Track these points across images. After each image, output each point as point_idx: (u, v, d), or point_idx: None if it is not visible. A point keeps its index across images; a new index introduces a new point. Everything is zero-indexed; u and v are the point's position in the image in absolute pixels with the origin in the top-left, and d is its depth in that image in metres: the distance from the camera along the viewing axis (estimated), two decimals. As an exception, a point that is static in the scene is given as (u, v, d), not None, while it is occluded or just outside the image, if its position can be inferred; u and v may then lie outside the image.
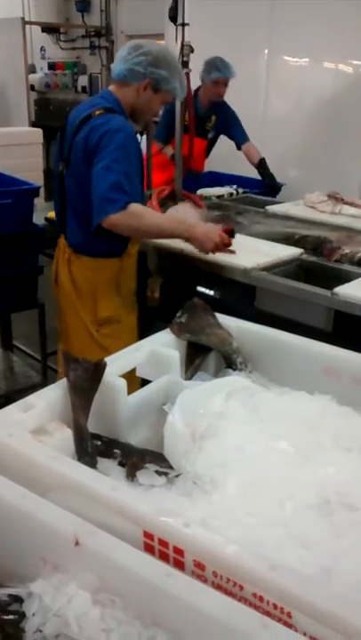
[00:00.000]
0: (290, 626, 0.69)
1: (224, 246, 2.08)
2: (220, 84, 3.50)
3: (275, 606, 0.71)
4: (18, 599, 0.77)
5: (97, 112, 2.03)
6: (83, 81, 6.76)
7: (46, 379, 2.86)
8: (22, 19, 5.70)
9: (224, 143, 3.59)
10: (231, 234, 2.14)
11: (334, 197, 2.86)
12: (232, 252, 2.14)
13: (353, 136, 3.51)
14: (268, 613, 0.70)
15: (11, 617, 0.74)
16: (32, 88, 6.30)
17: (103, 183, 1.91)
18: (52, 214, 2.73)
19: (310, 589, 0.69)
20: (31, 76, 6.17)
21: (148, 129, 3.20)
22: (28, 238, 2.59)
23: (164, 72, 2.02)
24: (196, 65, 2.91)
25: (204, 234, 2.05)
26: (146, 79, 2.02)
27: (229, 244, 2.10)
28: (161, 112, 3.16)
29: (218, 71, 3.44)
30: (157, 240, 2.36)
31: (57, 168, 2.22)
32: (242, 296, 2.23)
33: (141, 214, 1.96)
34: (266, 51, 3.93)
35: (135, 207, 1.93)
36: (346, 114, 3.56)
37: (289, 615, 0.70)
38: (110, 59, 6.15)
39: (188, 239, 2.06)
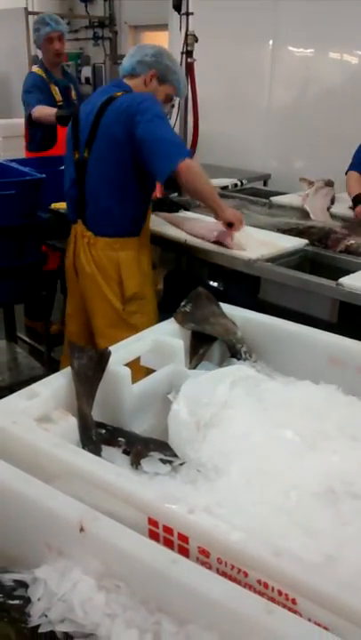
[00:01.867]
0: (294, 612, 0.69)
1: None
2: (55, 40, 3.42)
3: (279, 593, 0.71)
4: (23, 584, 0.77)
5: (118, 94, 2.14)
6: (86, 72, 6.72)
7: (50, 370, 2.87)
8: (25, 9, 5.67)
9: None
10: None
11: (308, 181, 2.84)
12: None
13: (358, 127, 3.48)
14: (272, 600, 0.70)
15: (16, 602, 0.75)
16: (35, 80, 6.26)
17: (166, 133, 2.07)
18: (56, 205, 2.72)
19: (315, 575, 0.69)
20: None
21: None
22: (31, 229, 2.59)
23: (167, 62, 2.21)
24: (201, 55, 2.89)
25: (232, 215, 2.20)
26: (152, 69, 2.19)
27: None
28: None
29: (48, 26, 3.41)
30: (162, 231, 2.38)
31: (71, 156, 2.25)
32: (246, 287, 2.23)
33: (202, 170, 2.10)
34: (271, 41, 3.90)
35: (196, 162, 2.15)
36: (352, 105, 3.53)
37: (294, 601, 0.70)
38: (114, 49, 6.12)
39: (217, 213, 2.18)
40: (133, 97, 2.12)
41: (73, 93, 3.67)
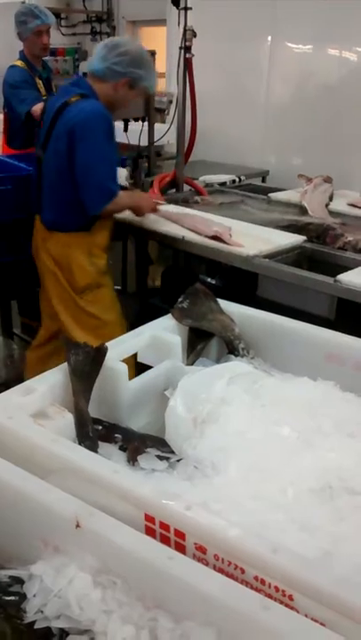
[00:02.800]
0: (291, 608, 0.68)
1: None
2: (44, 33, 3.33)
3: (276, 589, 0.71)
4: (19, 580, 0.77)
5: (73, 99, 2.12)
6: (84, 67, 6.67)
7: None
8: (23, 3, 5.62)
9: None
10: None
11: (306, 178, 2.83)
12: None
13: (357, 124, 3.47)
14: (269, 596, 0.70)
15: (12, 598, 0.74)
16: (32, 75, 6.23)
17: (101, 171, 2.09)
18: None
19: (312, 572, 0.69)
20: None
21: (150, 115, 3.18)
22: (28, 224, 2.58)
23: (141, 71, 2.14)
24: (199, 51, 2.87)
25: (140, 197, 2.42)
26: (125, 78, 2.13)
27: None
28: None
29: (37, 19, 3.29)
30: (159, 228, 2.39)
31: (37, 153, 2.31)
32: (244, 284, 2.23)
33: (117, 201, 2.19)
34: (269, 37, 3.88)
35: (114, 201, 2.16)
36: (350, 101, 3.51)
37: (290, 598, 0.70)
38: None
39: (132, 209, 2.36)
40: (82, 112, 2.08)
41: (53, 85, 3.61)
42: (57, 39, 6.93)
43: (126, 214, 2.42)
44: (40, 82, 3.46)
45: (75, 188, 2.13)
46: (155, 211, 2.43)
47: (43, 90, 3.45)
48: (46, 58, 3.87)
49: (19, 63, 3.46)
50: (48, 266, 2.30)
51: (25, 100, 3.32)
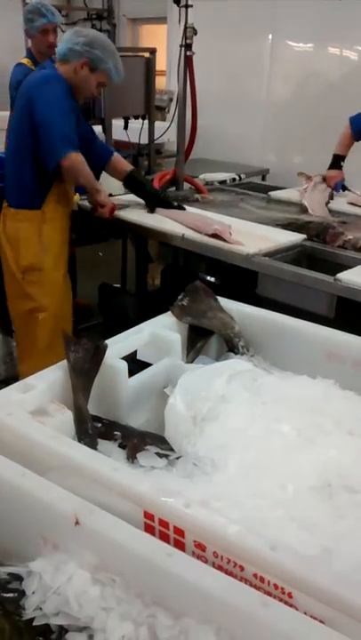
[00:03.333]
0: (290, 606, 0.68)
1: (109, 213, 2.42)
2: (50, 32, 3.36)
3: (275, 586, 0.71)
4: (17, 577, 0.77)
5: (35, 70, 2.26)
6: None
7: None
8: (23, 0, 5.61)
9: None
10: None
11: (306, 176, 2.83)
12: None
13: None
14: (268, 594, 0.70)
15: (10, 595, 0.74)
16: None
17: (56, 122, 2.13)
18: None
19: (311, 569, 0.69)
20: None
21: (151, 113, 3.18)
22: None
23: (97, 52, 2.20)
24: (200, 48, 2.87)
25: (105, 198, 2.41)
26: (82, 58, 2.20)
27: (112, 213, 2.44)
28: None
29: (44, 17, 3.32)
30: (158, 226, 2.38)
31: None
32: (243, 282, 2.22)
33: (84, 161, 2.20)
34: (270, 35, 3.88)
35: (80, 155, 2.17)
36: (350, 100, 3.51)
37: (290, 595, 0.70)
38: (113, 42, 6.07)
39: (91, 194, 2.38)
40: (41, 74, 2.23)
41: None
42: (57, 36, 6.92)
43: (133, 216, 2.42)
44: None
45: (31, 161, 2.19)
46: (107, 212, 2.41)
47: None
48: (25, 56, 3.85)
49: (25, 61, 3.48)
50: (2, 241, 2.34)
51: None
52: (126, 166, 2.59)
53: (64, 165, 2.15)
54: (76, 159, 2.16)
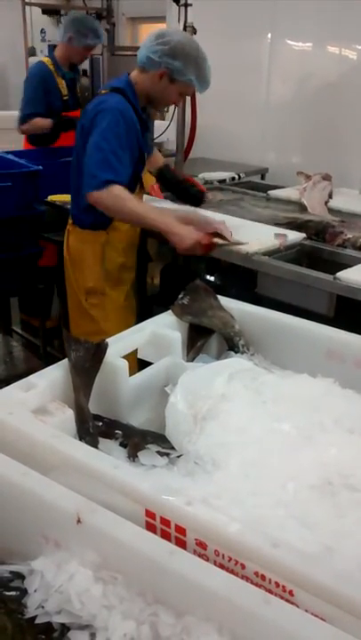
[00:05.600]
0: (291, 604, 0.68)
1: (204, 249, 2.01)
2: (90, 50, 3.46)
3: (277, 584, 0.71)
4: (19, 576, 0.77)
5: (102, 92, 2.13)
6: (84, 64, 6.66)
7: (46, 364, 2.86)
8: (22, 0, 5.61)
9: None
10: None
11: (305, 175, 2.83)
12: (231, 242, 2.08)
13: (357, 122, 3.47)
14: (269, 592, 0.70)
15: (13, 593, 0.74)
16: (32, 71, 6.23)
17: (92, 159, 2.01)
18: (53, 197, 2.71)
19: (313, 567, 0.69)
20: (31, 59, 6.06)
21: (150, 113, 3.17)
22: (27, 221, 2.58)
23: (178, 63, 2.02)
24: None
25: (186, 230, 1.99)
26: (161, 68, 2.04)
27: (211, 248, 2.02)
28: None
29: (97, 38, 3.39)
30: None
31: None
32: (243, 281, 2.22)
33: (124, 197, 1.99)
34: (269, 35, 3.88)
35: (119, 189, 1.98)
36: (350, 99, 3.51)
37: (291, 593, 0.70)
38: (112, 41, 6.06)
39: (166, 232, 2.00)
40: (99, 102, 2.09)
41: (78, 86, 3.65)
42: (56, 35, 6.92)
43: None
44: (63, 82, 3.49)
45: None
46: (196, 251, 2.01)
47: (64, 90, 3.50)
48: (46, 54, 3.87)
49: (46, 60, 3.53)
50: (65, 258, 2.30)
51: (24, 110, 3.37)
52: (160, 159, 2.55)
53: (91, 204, 2.02)
54: (99, 198, 1.97)
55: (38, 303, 3.00)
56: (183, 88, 2.10)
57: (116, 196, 1.97)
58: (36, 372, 1.07)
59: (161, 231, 2.01)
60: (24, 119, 3.33)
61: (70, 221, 2.30)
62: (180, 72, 2.03)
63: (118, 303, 2.29)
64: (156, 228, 2.02)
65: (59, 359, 1.10)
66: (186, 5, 2.72)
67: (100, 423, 1.06)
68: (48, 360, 2.87)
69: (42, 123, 3.31)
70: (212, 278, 2.45)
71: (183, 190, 2.57)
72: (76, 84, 3.62)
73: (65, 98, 3.47)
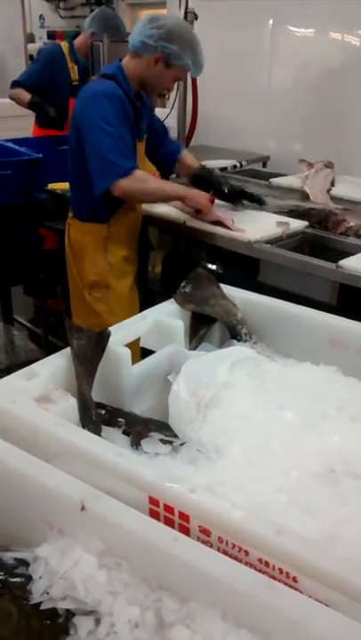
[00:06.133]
0: (295, 590, 0.69)
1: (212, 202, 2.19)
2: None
3: (280, 571, 0.71)
4: (24, 563, 0.77)
5: (92, 78, 2.13)
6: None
7: (47, 352, 2.85)
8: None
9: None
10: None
11: (308, 163, 2.80)
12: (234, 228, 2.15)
13: (359, 109, 3.44)
14: (273, 578, 0.70)
15: (17, 580, 0.75)
16: (31, 58, 6.17)
17: (104, 146, 1.95)
18: (53, 186, 2.70)
19: (316, 553, 0.69)
20: (30, 46, 6.01)
21: (151, 100, 3.15)
22: (28, 210, 2.57)
23: (174, 47, 1.99)
24: (199, 34, 2.84)
25: (200, 192, 2.18)
26: (157, 53, 2.00)
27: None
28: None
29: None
30: (159, 212, 2.35)
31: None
32: (245, 270, 2.21)
33: (146, 179, 2.02)
34: (271, 20, 3.83)
35: (140, 173, 1.99)
36: (352, 86, 3.48)
37: (295, 580, 0.70)
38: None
39: (185, 196, 2.16)
40: (91, 89, 2.04)
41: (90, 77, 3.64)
42: (55, 22, 6.85)
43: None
44: (75, 67, 3.49)
45: (87, 174, 2.05)
46: (213, 217, 2.16)
47: (75, 75, 3.50)
48: (45, 41, 3.85)
49: (62, 44, 3.56)
50: (67, 252, 2.27)
51: (20, 76, 3.40)
52: (193, 163, 2.39)
53: (116, 195, 1.98)
54: (126, 187, 1.95)
55: (40, 291, 3.00)
56: (178, 73, 2.09)
57: (140, 179, 1.99)
58: (37, 360, 1.07)
59: (181, 196, 2.16)
60: (13, 85, 3.37)
61: (70, 214, 2.26)
62: (177, 56, 2.00)
63: (123, 295, 2.25)
64: (177, 196, 2.17)
65: (60, 348, 1.10)
66: (187, -9, 2.69)
67: (103, 411, 1.06)
68: (49, 349, 2.86)
69: (22, 95, 3.33)
70: (213, 266, 2.45)
71: (239, 195, 2.38)
72: (88, 74, 3.61)
73: (75, 83, 3.46)
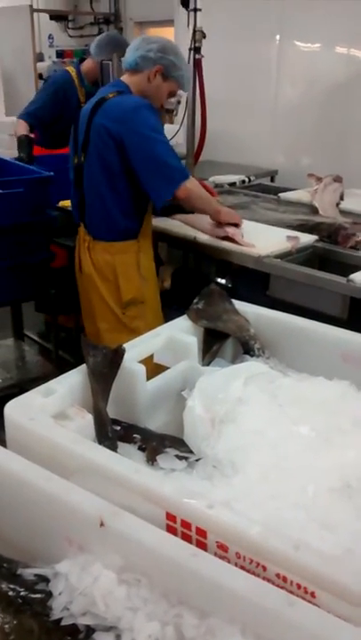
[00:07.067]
0: (314, 605, 0.69)
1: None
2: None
3: (298, 586, 0.72)
4: (44, 579, 0.78)
5: (110, 95, 2.11)
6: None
7: (58, 368, 2.88)
8: (30, 6, 5.66)
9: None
10: None
11: (316, 177, 2.82)
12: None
13: (366, 122, 3.47)
14: (291, 593, 0.70)
15: (38, 596, 0.76)
16: (40, 77, 6.27)
17: (162, 153, 2.02)
18: (63, 203, 2.73)
19: (334, 568, 0.70)
20: (39, 65, 6.11)
21: (160, 117, 3.19)
22: (40, 227, 2.60)
23: (172, 58, 2.12)
24: (206, 50, 2.88)
25: (229, 209, 2.30)
26: (156, 65, 2.11)
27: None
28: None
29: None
30: (169, 229, 2.38)
31: (72, 160, 2.27)
32: (254, 284, 2.23)
33: (198, 185, 2.13)
34: (278, 36, 3.88)
35: (193, 178, 2.11)
36: (359, 100, 3.51)
37: (313, 595, 0.71)
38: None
39: (220, 212, 2.24)
40: (126, 102, 2.06)
41: None
42: (64, 41, 6.98)
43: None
44: (83, 90, 3.52)
45: (128, 190, 2.07)
46: (234, 225, 2.25)
47: (83, 98, 3.52)
48: (54, 60, 3.89)
49: (70, 69, 3.58)
50: (90, 276, 2.21)
51: (29, 106, 3.40)
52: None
53: (180, 198, 2.05)
54: (192, 188, 2.06)
55: (51, 308, 3.02)
56: (173, 86, 2.18)
57: (196, 184, 2.12)
58: (48, 376, 1.08)
59: (218, 210, 2.24)
60: (20, 115, 3.42)
61: (88, 238, 2.21)
62: (175, 66, 2.12)
63: (157, 308, 2.27)
64: (216, 208, 2.25)
65: (71, 363, 1.11)
66: (195, 10, 2.73)
67: (119, 427, 1.07)
68: (60, 364, 2.88)
69: (19, 128, 3.36)
70: (223, 281, 2.47)
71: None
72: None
73: (82, 106, 3.51)
